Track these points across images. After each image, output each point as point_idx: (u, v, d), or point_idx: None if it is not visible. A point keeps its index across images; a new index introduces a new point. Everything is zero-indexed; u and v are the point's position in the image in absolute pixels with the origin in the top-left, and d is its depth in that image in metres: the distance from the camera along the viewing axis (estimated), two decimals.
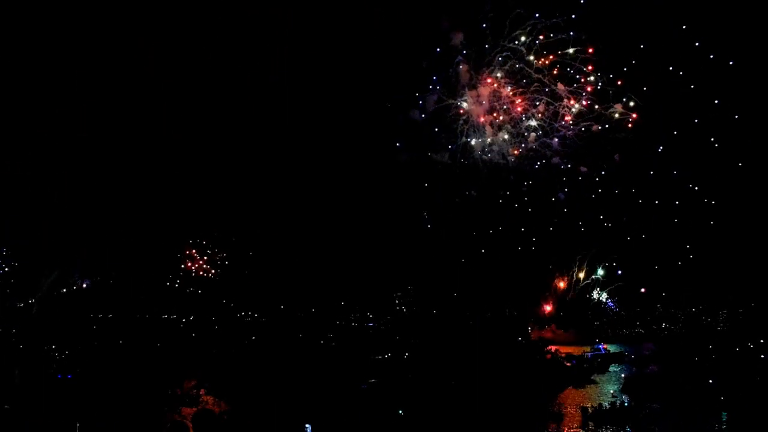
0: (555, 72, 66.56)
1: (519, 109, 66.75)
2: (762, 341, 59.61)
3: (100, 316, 68.86)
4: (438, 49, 65.70)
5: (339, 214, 73.32)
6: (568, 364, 59.83)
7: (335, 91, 66.71)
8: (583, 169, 67.42)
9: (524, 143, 67.46)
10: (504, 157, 67.24)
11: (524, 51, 66.01)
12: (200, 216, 74.19)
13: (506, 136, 66.47)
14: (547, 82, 66.15)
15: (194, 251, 77.81)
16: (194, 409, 40.64)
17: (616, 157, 67.51)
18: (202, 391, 44.28)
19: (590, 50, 67.36)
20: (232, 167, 72.01)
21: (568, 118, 66.11)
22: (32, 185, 58.49)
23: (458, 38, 65.74)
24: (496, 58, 66.26)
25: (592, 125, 67.39)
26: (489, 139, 67.26)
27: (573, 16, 63.44)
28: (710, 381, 47.89)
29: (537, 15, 63.97)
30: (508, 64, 65.54)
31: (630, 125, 66.84)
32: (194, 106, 66.16)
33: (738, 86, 63.95)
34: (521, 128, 68.06)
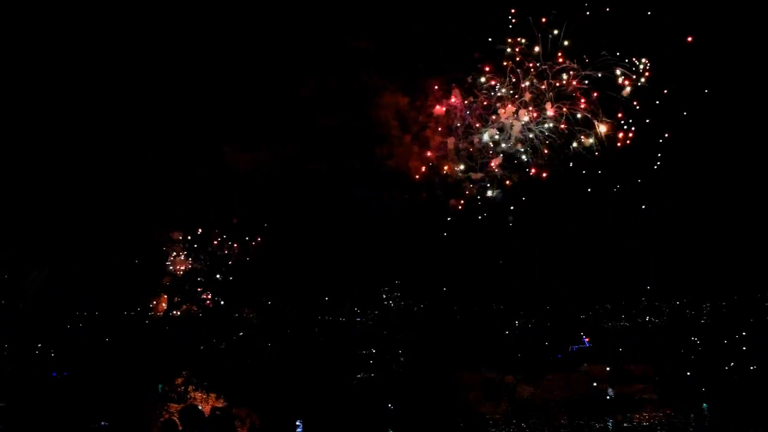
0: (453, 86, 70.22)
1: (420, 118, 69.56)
2: (744, 334, 60.53)
3: (86, 314, 68.49)
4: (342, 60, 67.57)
5: (324, 207, 73.53)
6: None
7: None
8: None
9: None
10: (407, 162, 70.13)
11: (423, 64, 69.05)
12: (185, 211, 74.00)
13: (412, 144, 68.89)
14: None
15: (179, 247, 77.50)
16: (182, 405, 40.71)
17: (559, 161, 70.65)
18: (190, 388, 44.31)
19: (486, 68, 72.38)
20: (216, 163, 72.01)
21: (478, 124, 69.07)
22: (20, 181, 57.96)
23: (364, 45, 67.48)
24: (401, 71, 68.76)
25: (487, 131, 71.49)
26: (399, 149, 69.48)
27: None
28: (688, 373, 48.77)
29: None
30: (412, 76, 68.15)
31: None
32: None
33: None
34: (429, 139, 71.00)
